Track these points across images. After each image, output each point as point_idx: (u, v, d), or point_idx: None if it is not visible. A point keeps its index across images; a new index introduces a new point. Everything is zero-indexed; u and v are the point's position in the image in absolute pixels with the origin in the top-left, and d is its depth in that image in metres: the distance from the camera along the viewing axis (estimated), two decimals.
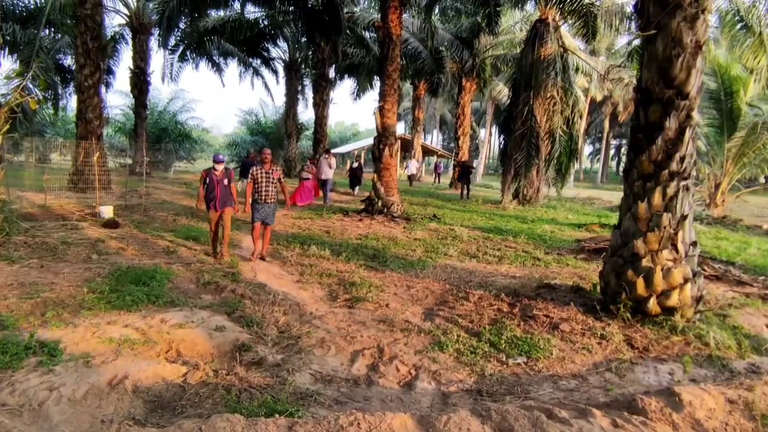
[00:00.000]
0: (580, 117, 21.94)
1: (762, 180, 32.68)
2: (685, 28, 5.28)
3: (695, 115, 5.44)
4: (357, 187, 20.66)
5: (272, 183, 7.95)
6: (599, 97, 41.63)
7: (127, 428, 2.59)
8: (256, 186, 7.91)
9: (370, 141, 25.78)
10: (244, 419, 2.72)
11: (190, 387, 3.64)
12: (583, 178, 53.98)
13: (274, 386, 3.74)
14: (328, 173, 16.33)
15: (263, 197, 7.92)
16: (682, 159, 5.39)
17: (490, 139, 57.08)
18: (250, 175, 7.92)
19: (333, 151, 30.04)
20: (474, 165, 17.84)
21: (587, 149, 66.94)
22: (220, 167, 7.89)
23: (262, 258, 7.97)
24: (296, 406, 3.36)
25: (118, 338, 4.28)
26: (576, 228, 13.13)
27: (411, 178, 29.35)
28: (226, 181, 7.90)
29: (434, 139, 72.07)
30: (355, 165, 21.94)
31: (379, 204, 13.50)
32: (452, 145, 39.12)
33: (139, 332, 4.48)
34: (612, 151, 61.67)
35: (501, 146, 20.20)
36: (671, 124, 5.36)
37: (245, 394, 3.57)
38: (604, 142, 54.38)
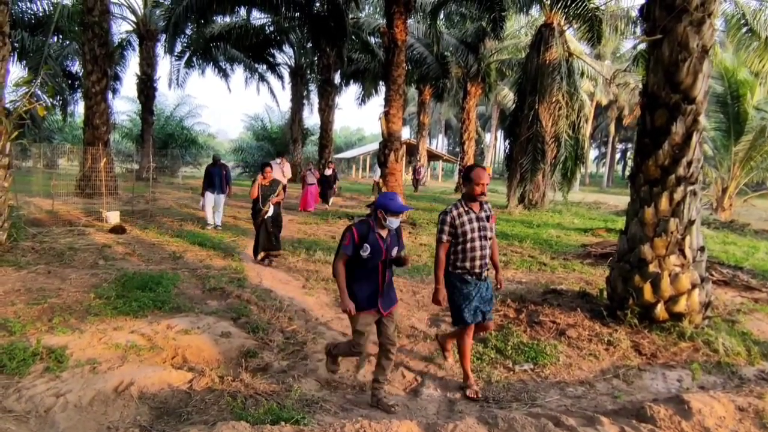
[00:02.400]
0: (586, 121, 21.87)
1: None
2: (691, 33, 5.26)
3: (702, 119, 5.41)
4: (330, 199, 17.53)
5: (488, 237, 4.00)
6: (605, 101, 41.58)
7: None
8: (461, 245, 3.94)
9: (375, 146, 25.79)
10: (249, 426, 2.71)
11: (195, 393, 3.65)
12: (589, 182, 53.78)
13: (279, 393, 3.73)
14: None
15: (477, 267, 3.98)
16: (689, 164, 5.36)
17: (496, 144, 56.99)
18: (445, 225, 3.90)
19: (338, 156, 30.14)
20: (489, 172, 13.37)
21: (593, 153, 66.77)
22: (396, 222, 3.71)
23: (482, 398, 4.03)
24: (302, 413, 3.35)
25: (125, 344, 4.30)
26: (582, 233, 13.07)
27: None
28: (395, 251, 3.83)
29: (439, 144, 72.15)
30: (328, 172, 17.67)
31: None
32: (457, 149, 39.10)
33: (145, 338, 4.49)
34: (618, 155, 61.50)
35: (506, 151, 20.13)
36: (678, 128, 5.33)
37: (251, 400, 3.56)
38: (609, 146, 54.25)
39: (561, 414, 3.12)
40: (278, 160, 11.87)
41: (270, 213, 8.15)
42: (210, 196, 11.18)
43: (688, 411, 3.12)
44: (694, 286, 5.28)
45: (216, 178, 11.12)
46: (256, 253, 8.31)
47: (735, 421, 3.11)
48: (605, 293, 6.06)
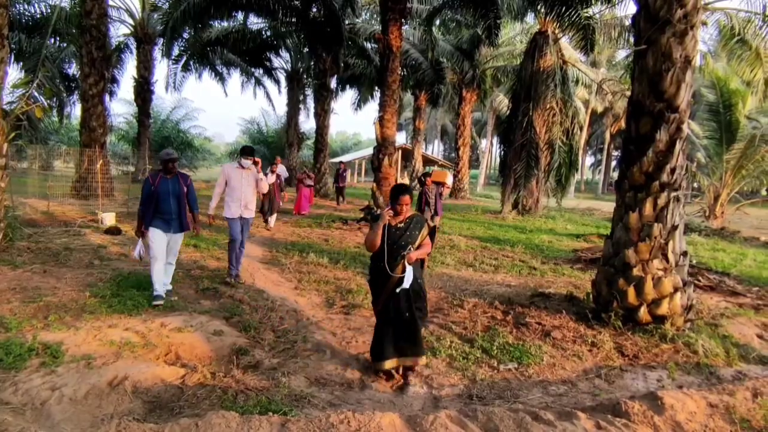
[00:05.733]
0: (580, 129, 22.10)
1: (764, 192, 32.77)
2: (674, 44, 5.43)
3: (685, 127, 5.57)
4: (273, 216, 12.35)
5: None
6: (600, 109, 41.86)
7: (127, 424, 2.69)
8: None
9: (370, 151, 25.93)
10: (238, 416, 2.82)
11: (188, 388, 3.74)
12: (585, 188, 54.09)
13: (269, 388, 3.83)
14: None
15: None
16: (673, 170, 5.51)
17: (491, 150, 57.26)
18: None
19: (333, 160, 30.18)
20: (447, 181, 11.69)
21: (589, 160, 67.03)
22: None
23: None
24: (290, 406, 3.46)
25: (119, 341, 4.39)
26: (574, 238, 13.22)
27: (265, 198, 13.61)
28: None
29: (435, 149, 72.35)
30: (271, 179, 11.51)
31: (378, 213, 13.60)
32: (453, 155, 39.30)
33: (139, 335, 4.58)
34: (613, 163, 61.88)
35: (501, 156, 20.32)
36: (662, 136, 5.49)
37: (241, 395, 3.66)
38: (605, 153, 54.51)
39: (540, 409, 3.24)
40: (247, 162, 6.89)
41: (407, 282, 4.03)
42: (158, 235, 5.77)
43: (661, 406, 3.25)
44: (676, 289, 5.42)
45: (169, 201, 5.75)
46: (378, 358, 4.24)
47: (705, 416, 3.24)
48: (591, 296, 6.19)
